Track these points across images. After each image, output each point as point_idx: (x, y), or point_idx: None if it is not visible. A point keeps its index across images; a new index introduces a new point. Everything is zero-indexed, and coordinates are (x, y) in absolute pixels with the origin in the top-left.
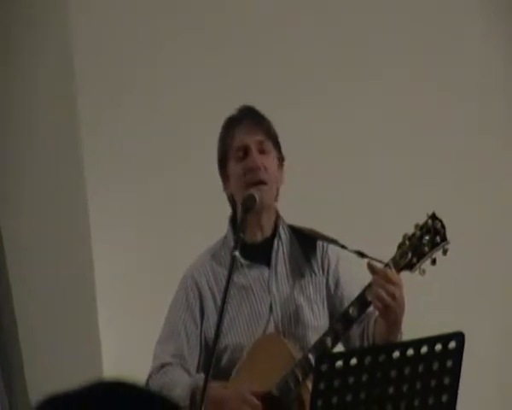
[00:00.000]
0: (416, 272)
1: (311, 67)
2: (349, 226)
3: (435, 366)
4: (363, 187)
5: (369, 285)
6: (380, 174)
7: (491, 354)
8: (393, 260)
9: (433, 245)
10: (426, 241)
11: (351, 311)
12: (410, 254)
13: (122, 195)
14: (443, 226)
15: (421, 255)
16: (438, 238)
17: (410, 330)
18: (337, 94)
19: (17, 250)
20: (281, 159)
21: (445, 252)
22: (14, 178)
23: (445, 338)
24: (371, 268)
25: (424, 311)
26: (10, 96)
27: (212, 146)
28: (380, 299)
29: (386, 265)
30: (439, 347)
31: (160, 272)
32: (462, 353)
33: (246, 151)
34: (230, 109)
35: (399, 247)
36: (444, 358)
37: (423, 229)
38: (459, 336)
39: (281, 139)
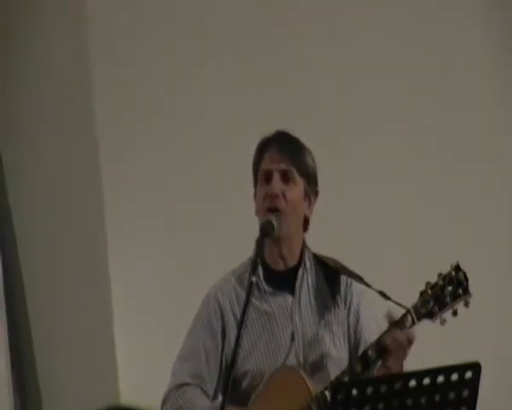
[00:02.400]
0: (437, 321)
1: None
2: (374, 266)
3: (451, 395)
4: (390, 229)
5: (389, 330)
6: (407, 218)
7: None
8: (415, 307)
9: (456, 297)
10: (448, 292)
11: (369, 353)
12: (431, 303)
13: (140, 211)
14: (466, 278)
15: (442, 306)
16: (460, 290)
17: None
18: (365, 126)
19: (33, 267)
20: (312, 190)
21: (466, 304)
22: (28, 189)
23: (461, 368)
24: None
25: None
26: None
27: (243, 166)
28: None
29: (408, 311)
30: (455, 376)
31: (179, 292)
32: (478, 383)
33: (269, 177)
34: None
35: (421, 294)
36: (460, 388)
37: (446, 279)
38: (476, 367)
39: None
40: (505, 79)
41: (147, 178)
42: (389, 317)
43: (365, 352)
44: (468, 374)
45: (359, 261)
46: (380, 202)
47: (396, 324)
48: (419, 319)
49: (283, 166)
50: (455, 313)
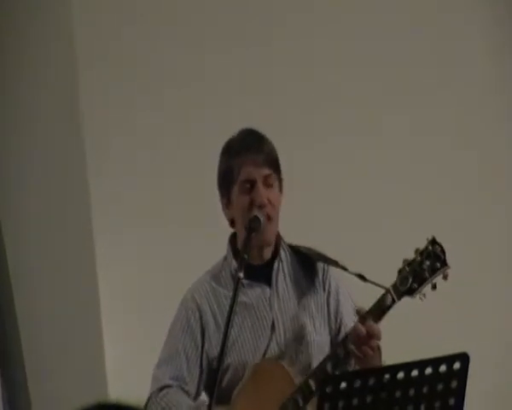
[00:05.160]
0: (417, 297)
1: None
2: (349, 249)
3: (440, 387)
4: (363, 209)
5: (370, 310)
6: (380, 197)
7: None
8: (394, 286)
9: (434, 270)
10: (426, 266)
11: (351, 337)
12: (410, 280)
13: (125, 211)
14: (443, 251)
15: (421, 281)
16: (438, 264)
17: (414, 350)
18: (341, 114)
19: (21, 264)
20: (281, 181)
21: (445, 277)
22: (17, 192)
23: (449, 359)
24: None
25: (425, 332)
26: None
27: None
28: (363, 354)
29: (387, 290)
30: (443, 368)
31: (167, 293)
32: (466, 374)
33: (252, 185)
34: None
35: (400, 272)
36: (448, 379)
37: (423, 254)
38: (464, 357)
39: (282, 158)
40: (506, 78)
41: (134, 178)
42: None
43: (346, 336)
44: (457, 365)
45: (336, 247)
46: (356, 181)
47: (376, 304)
48: (399, 298)
49: (265, 171)
50: (434, 287)
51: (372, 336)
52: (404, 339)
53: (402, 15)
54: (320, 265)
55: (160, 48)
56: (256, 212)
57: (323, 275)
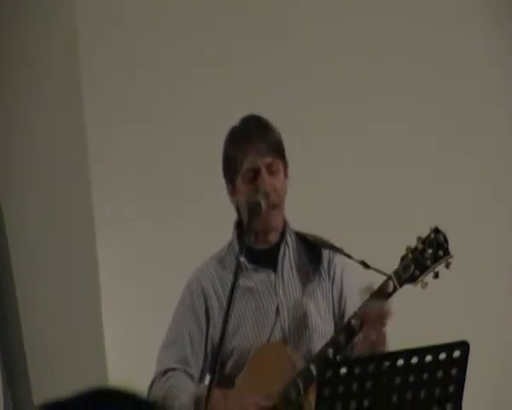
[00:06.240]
0: (419, 285)
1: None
2: (353, 236)
3: (439, 374)
4: (368, 197)
5: (371, 296)
6: (384, 186)
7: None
8: (396, 273)
9: (436, 259)
10: (429, 254)
11: (353, 322)
12: (412, 268)
13: (126, 199)
14: (446, 240)
15: (423, 269)
16: (441, 252)
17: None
18: (345, 104)
19: (23, 257)
20: (286, 166)
21: (447, 265)
22: (18, 186)
23: (449, 347)
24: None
25: (426, 320)
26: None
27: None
28: (375, 330)
29: (389, 277)
30: (443, 355)
31: (167, 278)
32: (466, 362)
33: (256, 173)
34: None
35: (402, 259)
36: (448, 367)
37: (426, 242)
38: (464, 346)
39: (287, 145)
40: (506, 78)
41: (135, 170)
42: (369, 289)
43: (348, 322)
44: (457, 353)
45: (339, 233)
46: (360, 169)
47: (378, 291)
48: (401, 285)
49: (268, 159)
50: (436, 276)
51: (382, 313)
52: (405, 328)
53: (402, 15)
54: (325, 252)
55: (160, 40)
56: (258, 197)
57: (328, 262)
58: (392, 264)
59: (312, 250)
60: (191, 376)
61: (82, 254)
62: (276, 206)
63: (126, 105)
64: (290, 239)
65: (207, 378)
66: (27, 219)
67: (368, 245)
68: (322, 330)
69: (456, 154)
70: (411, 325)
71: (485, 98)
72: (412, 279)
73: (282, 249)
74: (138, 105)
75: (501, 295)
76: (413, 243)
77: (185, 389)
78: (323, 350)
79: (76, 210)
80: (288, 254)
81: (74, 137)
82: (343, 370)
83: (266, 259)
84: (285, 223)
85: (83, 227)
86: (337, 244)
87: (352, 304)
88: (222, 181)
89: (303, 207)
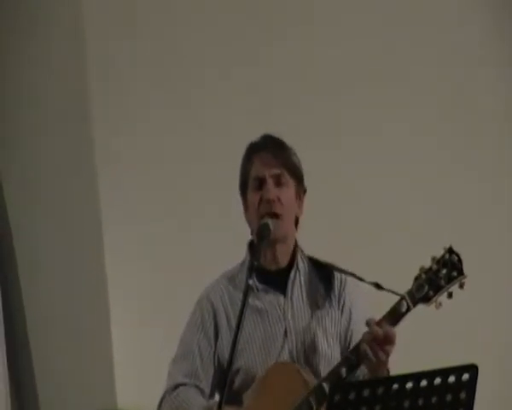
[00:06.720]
0: (432, 305)
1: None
2: (366, 258)
3: (448, 397)
4: (368, 197)
5: (385, 316)
6: (384, 186)
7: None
8: (409, 293)
9: (450, 279)
10: (443, 275)
11: (351, 356)
12: (426, 288)
13: (136, 216)
14: (460, 260)
15: (437, 289)
16: (455, 273)
17: (424, 361)
18: (345, 105)
19: (30, 267)
20: (301, 189)
21: (461, 286)
22: (24, 188)
23: (458, 370)
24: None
25: (437, 342)
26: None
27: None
28: (377, 357)
29: (403, 297)
30: (452, 378)
31: (177, 292)
32: (475, 385)
33: (261, 182)
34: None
35: (416, 279)
36: (457, 390)
37: (440, 262)
38: (473, 369)
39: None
40: (506, 78)
41: (143, 182)
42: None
43: (347, 356)
44: (466, 376)
45: (351, 255)
46: (372, 192)
47: (391, 311)
48: (414, 305)
49: (276, 170)
50: (450, 296)
51: (388, 339)
52: (415, 348)
53: (402, 15)
54: (337, 278)
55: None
56: (266, 219)
57: (339, 290)
58: (391, 262)
59: (324, 277)
60: (201, 390)
61: (91, 266)
62: (280, 215)
63: (134, 105)
64: (302, 264)
65: (216, 396)
66: (33, 220)
67: (368, 245)
68: (329, 356)
69: (456, 154)
70: (420, 346)
71: (485, 98)
72: (426, 299)
73: (292, 274)
74: (146, 105)
75: (501, 294)
76: (413, 243)
77: (195, 404)
78: (336, 369)
79: (84, 214)
80: (299, 279)
81: (81, 138)
82: (352, 393)
83: (277, 281)
84: (296, 246)
85: (92, 236)
86: (336, 245)
87: (359, 335)
88: (239, 197)
89: (313, 231)
